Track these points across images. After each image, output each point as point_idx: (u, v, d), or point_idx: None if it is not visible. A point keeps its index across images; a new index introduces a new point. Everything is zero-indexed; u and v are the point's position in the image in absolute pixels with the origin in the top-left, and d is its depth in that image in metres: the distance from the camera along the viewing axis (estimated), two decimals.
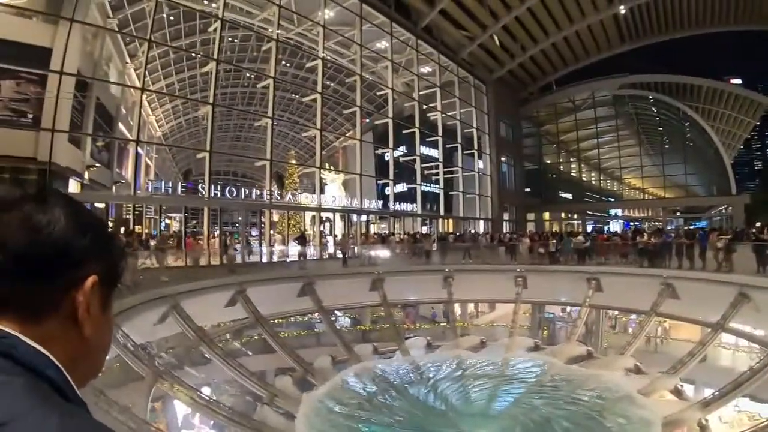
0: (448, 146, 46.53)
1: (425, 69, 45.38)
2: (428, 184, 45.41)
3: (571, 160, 63.74)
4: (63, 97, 24.26)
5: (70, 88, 24.72)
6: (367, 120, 43.92)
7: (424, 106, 44.45)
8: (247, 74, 41.99)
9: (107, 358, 1.06)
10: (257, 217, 41.60)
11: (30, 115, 24.33)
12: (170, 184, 31.22)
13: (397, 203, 42.45)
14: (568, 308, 29.81)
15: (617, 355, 21.19)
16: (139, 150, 31.64)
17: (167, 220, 35.72)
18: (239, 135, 53.34)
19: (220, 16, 30.56)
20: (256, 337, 23.92)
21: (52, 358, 0.87)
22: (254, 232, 39.87)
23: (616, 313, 28.68)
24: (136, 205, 28.63)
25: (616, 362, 20.00)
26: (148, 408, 13.75)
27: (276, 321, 23.62)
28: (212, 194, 29.13)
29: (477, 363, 21.00)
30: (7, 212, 0.89)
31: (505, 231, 46.83)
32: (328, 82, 40.97)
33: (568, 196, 63.43)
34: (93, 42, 28.31)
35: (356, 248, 33.35)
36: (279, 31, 33.83)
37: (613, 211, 68.17)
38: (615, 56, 54.83)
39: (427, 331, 27.73)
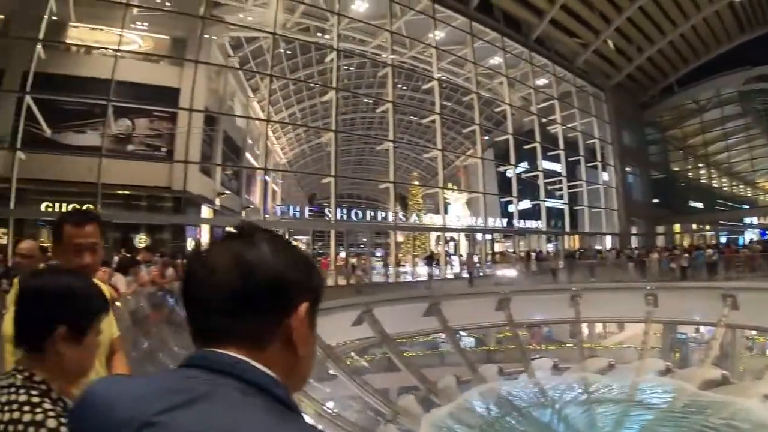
0: (570, 159, 43.55)
1: (541, 81, 43.11)
2: (552, 200, 42.78)
3: (700, 165, 57.82)
4: (193, 132, 25.57)
5: (199, 123, 26.23)
6: (486, 137, 42.30)
7: (543, 120, 41.91)
8: (365, 100, 41.57)
9: None
10: (382, 238, 40.98)
11: (163, 149, 26.54)
12: (298, 208, 31.52)
13: (522, 221, 40.16)
14: (702, 328, 26.54)
15: (754, 380, 18.17)
16: (266, 177, 32.75)
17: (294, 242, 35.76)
18: (361, 159, 52.77)
19: (335, 47, 30.39)
20: (380, 356, 23.19)
21: (277, 378, 0.94)
22: (378, 253, 39.16)
23: (754, 333, 24.95)
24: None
25: (754, 388, 16.88)
26: None
27: (401, 340, 22.82)
28: (339, 217, 28.93)
29: (604, 386, 19.08)
30: (220, 254, 0.98)
31: (633, 246, 43.44)
32: (445, 102, 39.73)
33: (699, 205, 57.31)
34: (217, 80, 29.69)
35: (482, 268, 31.87)
36: (393, 56, 33.30)
37: (748, 219, 61.59)
38: (737, 49, 48.95)
39: (552, 353, 25.76)
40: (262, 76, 31.98)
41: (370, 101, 40.89)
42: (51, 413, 1.48)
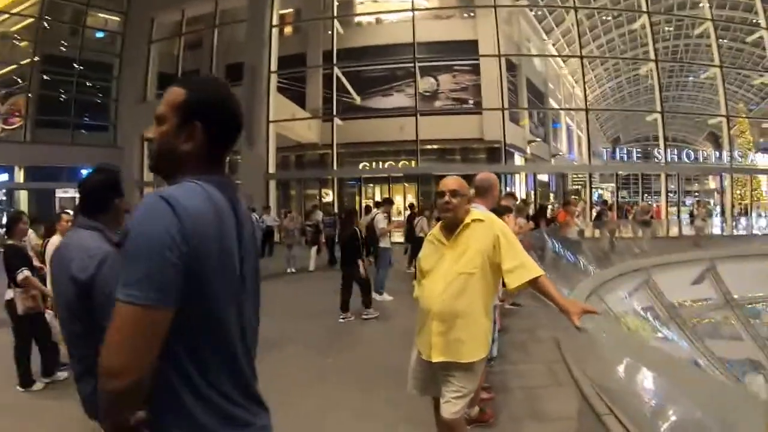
0: None
1: None
2: None
3: None
4: (499, 80, 23.92)
5: (502, 72, 24.21)
6: None
7: None
8: (666, 28, 33.23)
9: None
10: (696, 185, 34.54)
11: (470, 102, 25.61)
12: (624, 150, 28.19)
13: None
14: None
15: None
16: (569, 121, 30.61)
17: (600, 190, 31.20)
18: (666, 95, 42.93)
19: None
20: (718, 319, 18.78)
21: None
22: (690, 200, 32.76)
23: None
24: (579, 175, 26.46)
25: None
26: None
27: (750, 306, 18.11)
28: (668, 159, 24.52)
29: None
30: None
31: None
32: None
33: None
34: (510, 27, 27.18)
35: None
36: None
37: None
38: None
39: None
40: (555, 14, 28.96)
41: (671, 29, 33.40)
42: None
